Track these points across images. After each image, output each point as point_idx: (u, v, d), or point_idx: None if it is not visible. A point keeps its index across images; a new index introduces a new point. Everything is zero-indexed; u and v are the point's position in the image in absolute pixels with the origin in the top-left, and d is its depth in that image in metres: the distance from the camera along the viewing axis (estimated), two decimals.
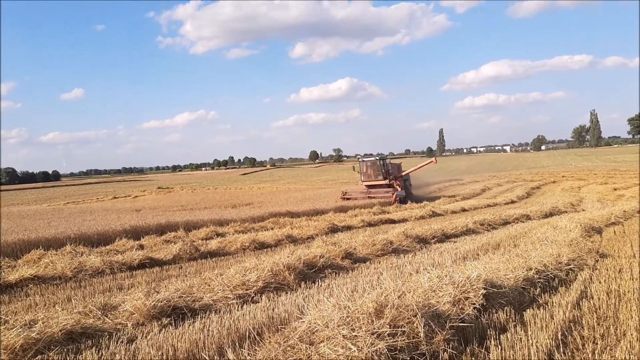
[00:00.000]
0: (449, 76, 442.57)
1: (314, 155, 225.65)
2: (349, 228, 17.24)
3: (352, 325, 4.43)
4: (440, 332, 4.67)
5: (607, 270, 8.40)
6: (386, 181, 30.01)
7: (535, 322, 5.52)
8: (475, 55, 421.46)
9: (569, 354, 4.78)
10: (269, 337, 4.94)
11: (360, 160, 32.46)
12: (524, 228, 14.96)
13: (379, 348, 4.12)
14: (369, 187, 30.33)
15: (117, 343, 5.38)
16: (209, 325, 5.70)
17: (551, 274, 7.70)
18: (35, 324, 5.59)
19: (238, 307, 6.76)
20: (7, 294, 8.79)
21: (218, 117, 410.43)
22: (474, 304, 5.58)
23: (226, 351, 4.85)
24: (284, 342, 4.48)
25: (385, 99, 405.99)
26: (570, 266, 8.39)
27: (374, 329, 4.36)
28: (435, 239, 13.28)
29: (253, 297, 7.30)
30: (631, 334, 5.12)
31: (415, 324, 4.59)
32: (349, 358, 4.11)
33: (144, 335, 5.64)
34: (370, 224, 18.16)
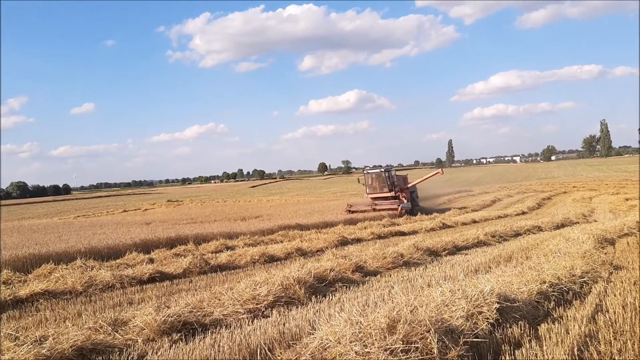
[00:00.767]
0: (457, 87, 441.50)
1: (323, 167, 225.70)
2: (358, 241, 17.16)
3: (364, 341, 4.38)
4: (454, 347, 4.60)
5: (622, 282, 8.27)
6: (392, 193, 29.66)
7: (550, 337, 5.43)
8: (484, 66, 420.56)
9: None
10: (281, 353, 4.89)
11: (365, 172, 32.11)
12: (536, 240, 14.82)
13: None
14: (375, 199, 30.00)
15: (127, 359, 5.35)
16: (219, 340, 5.66)
17: (565, 287, 7.59)
18: (46, 340, 5.57)
19: (249, 321, 6.71)
20: (18, 309, 8.79)
21: (227, 130, 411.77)
22: (487, 318, 5.50)
23: None
24: (296, 358, 4.43)
25: (393, 110, 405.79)
26: (584, 279, 8.27)
27: (387, 345, 4.30)
28: (446, 252, 13.18)
29: (264, 311, 7.25)
30: None
31: (428, 340, 4.53)
32: None
33: (155, 351, 5.60)
34: (380, 237, 18.07)
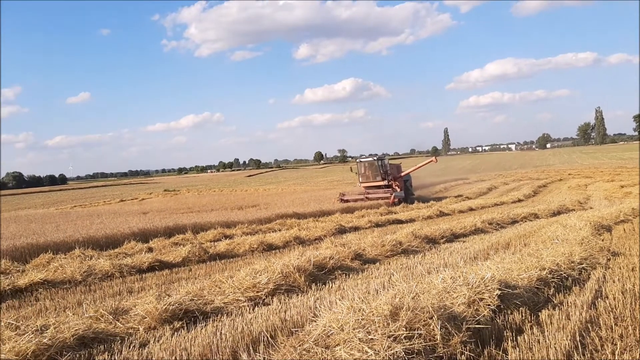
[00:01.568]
0: (453, 75, 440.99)
1: (319, 156, 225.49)
2: (356, 229, 17.18)
3: (367, 328, 4.38)
4: (456, 334, 4.61)
5: (620, 268, 8.31)
6: (385, 182, 29.42)
7: (551, 323, 5.46)
8: (480, 54, 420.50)
9: (588, 355, 4.71)
10: (283, 340, 4.90)
11: (357, 161, 31.83)
12: (533, 227, 14.88)
13: (396, 351, 4.07)
14: (367, 188, 29.75)
15: (129, 347, 5.35)
16: (221, 328, 5.66)
17: (564, 273, 7.62)
18: (47, 330, 5.56)
19: (249, 309, 6.72)
20: (17, 298, 8.78)
21: (223, 119, 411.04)
22: (489, 305, 5.52)
23: (240, 355, 4.81)
24: (299, 345, 4.44)
25: (390, 98, 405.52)
26: (583, 265, 8.31)
27: (390, 331, 4.31)
28: (445, 239, 13.21)
29: (264, 299, 7.26)
30: None
31: (431, 326, 4.54)
32: None
33: (156, 339, 5.60)
34: (377, 225, 18.08)
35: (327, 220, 19.04)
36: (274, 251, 12.88)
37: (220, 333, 5.44)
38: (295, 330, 5.23)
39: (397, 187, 29.26)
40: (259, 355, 4.69)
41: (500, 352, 4.75)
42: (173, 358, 4.91)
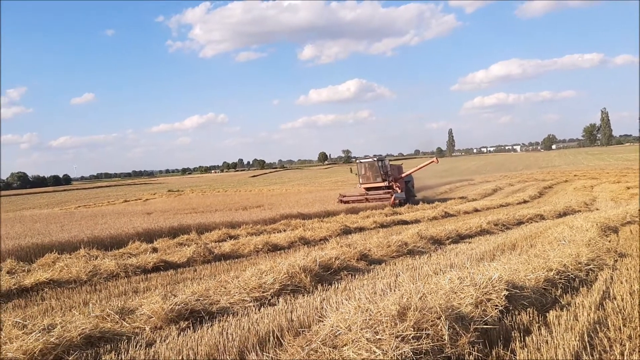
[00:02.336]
0: (458, 76, 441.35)
1: (323, 157, 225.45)
2: (361, 229, 17.17)
3: (375, 328, 4.36)
4: (464, 334, 4.59)
5: (628, 270, 8.25)
6: (385, 183, 29.02)
7: (559, 324, 5.42)
8: (485, 55, 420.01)
9: (597, 355, 4.67)
10: (290, 340, 4.88)
11: (357, 161, 31.40)
12: (539, 228, 14.82)
13: (404, 351, 4.05)
14: (368, 189, 29.37)
15: (136, 347, 5.35)
16: (227, 328, 5.66)
17: (571, 274, 7.58)
18: (54, 329, 5.56)
19: (255, 309, 6.71)
20: (24, 298, 8.80)
21: (227, 119, 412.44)
22: (496, 305, 5.49)
23: (248, 354, 4.80)
24: (307, 345, 4.42)
25: (394, 99, 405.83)
26: (590, 266, 8.26)
27: (398, 331, 4.29)
28: (450, 240, 13.17)
29: (270, 299, 7.24)
30: None
31: (439, 327, 4.51)
32: None
33: (163, 339, 5.59)
34: (382, 225, 18.06)
35: (332, 221, 19.02)
36: (279, 252, 12.87)
37: (227, 333, 5.43)
38: (302, 331, 5.22)
39: (397, 188, 28.91)
40: (267, 355, 4.68)
41: (509, 353, 4.72)
42: (180, 358, 4.90)
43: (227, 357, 4.84)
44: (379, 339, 4.22)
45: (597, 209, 21.47)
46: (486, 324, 5.05)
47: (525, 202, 28.41)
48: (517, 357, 4.62)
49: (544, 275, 7.03)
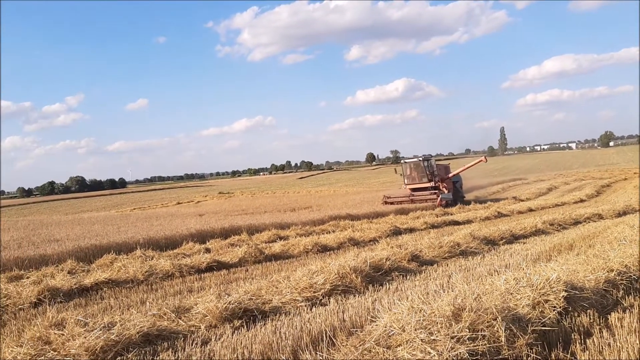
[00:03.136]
0: (509, 73, 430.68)
1: (371, 158, 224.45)
2: (411, 230, 16.98)
3: (429, 329, 4.31)
4: (522, 336, 4.47)
5: None
6: (431, 183, 28.19)
7: (622, 326, 5.21)
8: (537, 51, 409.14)
9: None
10: (343, 340, 4.88)
11: (402, 161, 30.71)
12: (597, 228, 14.29)
13: (460, 352, 3.98)
14: (413, 190, 28.67)
15: (191, 345, 5.46)
16: (280, 327, 5.70)
17: (634, 275, 7.27)
18: (114, 326, 5.74)
19: (307, 309, 6.73)
20: (84, 297, 9.12)
21: (275, 122, 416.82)
22: (554, 306, 5.32)
23: (301, 353, 4.83)
24: (360, 345, 4.40)
25: (443, 98, 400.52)
26: None
27: (453, 332, 4.22)
28: (504, 240, 12.86)
29: (321, 299, 7.25)
30: None
31: (495, 328, 4.41)
32: None
33: (218, 337, 5.69)
34: (433, 226, 17.81)
35: (382, 222, 18.92)
36: (328, 252, 12.88)
37: (280, 332, 5.48)
38: (355, 331, 5.20)
39: (444, 189, 28.12)
40: (321, 354, 4.69)
41: (568, 355, 4.57)
42: (235, 356, 4.98)
43: (282, 356, 4.87)
44: (434, 339, 4.16)
45: None
46: (544, 326, 4.90)
47: (582, 201, 27.48)
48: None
49: (604, 276, 6.76)
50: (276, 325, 5.85)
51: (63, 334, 5.51)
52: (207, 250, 13.52)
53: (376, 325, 4.74)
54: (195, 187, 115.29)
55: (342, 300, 7.09)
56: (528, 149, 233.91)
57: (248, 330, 5.83)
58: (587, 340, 4.86)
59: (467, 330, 4.28)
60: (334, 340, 5.05)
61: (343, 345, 4.70)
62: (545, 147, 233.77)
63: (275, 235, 16.10)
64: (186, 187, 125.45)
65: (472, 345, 4.13)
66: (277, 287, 7.62)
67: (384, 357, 4.15)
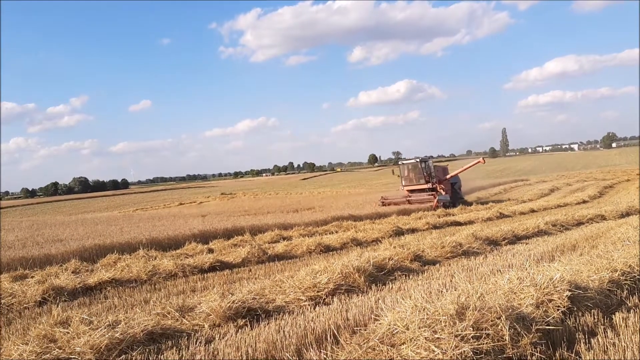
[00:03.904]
0: (511, 74, 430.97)
1: (373, 159, 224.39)
2: (413, 231, 16.99)
3: (433, 327, 4.32)
4: (526, 335, 4.48)
5: None
6: (429, 185, 28.04)
7: (626, 326, 5.22)
8: (539, 52, 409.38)
9: None
10: (347, 338, 4.89)
11: (400, 163, 30.50)
12: (600, 228, 14.28)
13: (464, 351, 3.99)
14: (411, 191, 28.49)
15: (195, 343, 5.48)
16: (284, 326, 5.71)
17: (638, 275, 7.27)
18: (118, 325, 5.77)
19: (310, 308, 6.75)
20: (88, 296, 9.15)
21: (278, 123, 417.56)
22: (558, 306, 5.33)
23: (305, 352, 4.84)
24: (364, 343, 4.42)
25: (445, 99, 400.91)
26: None
27: (457, 331, 4.22)
28: (506, 241, 12.86)
29: (324, 299, 7.27)
30: None
31: (499, 327, 4.42)
32: None
33: (221, 336, 5.71)
34: (435, 227, 17.82)
35: (384, 222, 18.93)
36: (331, 252, 12.89)
37: (284, 331, 5.49)
38: (358, 329, 5.21)
39: (442, 190, 27.94)
40: (325, 353, 4.70)
41: (573, 355, 4.57)
42: (239, 354, 4.99)
43: (286, 355, 4.89)
44: (438, 338, 4.17)
45: None
46: (548, 325, 4.91)
47: (584, 202, 27.43)
48: (583, 359, 4.47)
49: (608, 276, 6.77)
50: (280, 324, 5.86)
51: (68, 332, 5.54)
52: (210, 251, 13.55)
53: (380, 323, 4.75)
54: (198, 188, 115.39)
55: (345, 300, 7.10)
56: (530, 150, 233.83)
57: (252, 329, 5.85)
58: (592, 339, 4.86)
59: (471, 328, 4.29)
60: (338, 338, 5.06)
61: (347, 344, 4.71)
62: (548, 148, 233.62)
63: (278, 236, 16.10)
64: (188, 188, 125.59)
65: (476, 343, 4.14)
66: (280, 287, 7.63)
67: (388, 355, 4.16)
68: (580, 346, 4.68)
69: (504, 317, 4.50)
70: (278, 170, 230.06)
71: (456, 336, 4.16)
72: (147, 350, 5.42)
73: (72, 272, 10.89)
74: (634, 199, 26.25)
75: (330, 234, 16.44)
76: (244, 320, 6.29)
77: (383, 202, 27.73)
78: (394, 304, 5.84)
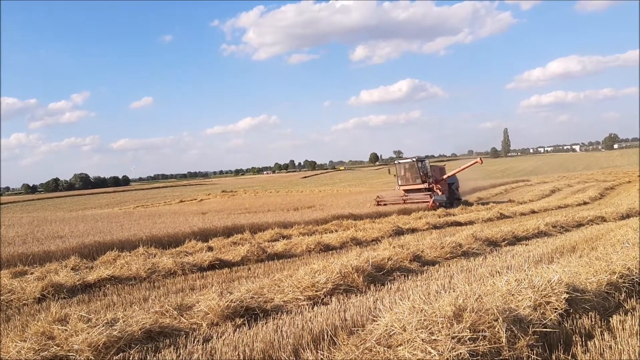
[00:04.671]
0: (513, 74, 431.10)
1: (374, 158, 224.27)
2: (413, 230, 17.00)
3: (430, 328, 4.32)
4: (523, 337, 4.48)
5: None
6: (425, 185, 27.81)
7: (624, 329, 5.21)
8: (542, 52, 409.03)
9: None
10: (344, 339, 4.89)
11: (396, 162, 30.25)
12: (600, 230, 14.27)
13: (461, 353, 3.99)
14: (407, 191, 28.28)
15: (193, 342, 5.49)
16: (282, 326, 5.72)
17: (636, 278, 7.26)
18: (116, 323, 5.77)
19: (309, 308, 6.75)
20: (87, 293, 9.16)
21: (279, 121, 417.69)
22: (556, 308, 5.33)
23: (302, 352, 4.84)
24: (361, 344, 4.42)
25: (447, 99, 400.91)
26: None
27: (454, 333, 4.23)
28: (506, 242, 12.86)
29: (323, 298, 7.27)
30: None
31: (496, 329, 4.42)
32: None
33: (219, 335, 5.72)
34: (435, 227, 17.83)
35: (384, 222, 18.94)
36: (330, 252, 12.90)
37: (282, 330, 5.50)
38: (356, 330, 5.21)
39: (438, 191, 27.80)
40: (322, 353, 4.71)
41: (570, 357, 4.58)
42: (236, 354, 5.00)
43: (283, 354, 4.89)
44: (435, 339, 4.18)
45: None
46: (545, 327, 4.91)
47: (585, 203, 27.44)
48: None
49: (606, 278, 6.76)
50: (278, 323, 5.86)
51: (66, 330, 5.54)
52: (210, 249, 13.57)
53: (377, 324, 4.76)
54: (199, 186, 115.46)
55: (344, 300, 7.11)
56: (531, 150, 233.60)
57: (250, 329, 5.85)
58: (589, 342, 4.87)
59: (468, 330, 4.30)
60: (335, 339, 5.07)
61: (344, 344, 4.72)
62: (549, 149, 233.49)
63: (278, 234, 16.13)
64: (189, 185, 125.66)
65: (473, 345, 4.15)
66: (279, 286, 7.64)
67: (385, 356, 4.17)
68: (576, 349, 4.69)
69: (501, 319, 4.50)
70: (279, 168, 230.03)
71: (453, 338, 4.16)
72: (145, 348, 5.42)
73: (72, 269, 10.89)
74: (635, 201, 26.23)
75: (330, 232, 16.46)
76: (242, 320, 6.29)
77: (378, 202, 27.50)
78: (392, 304, 5.85)
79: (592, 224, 16.69)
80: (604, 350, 4.63)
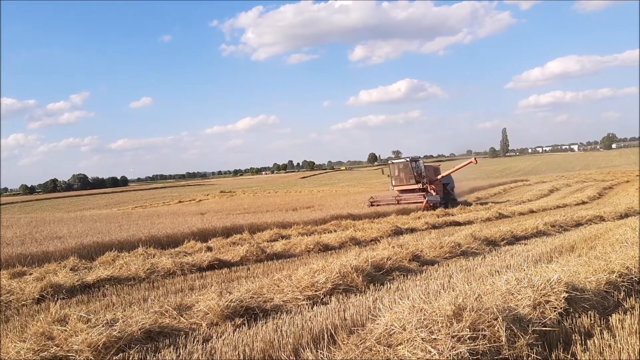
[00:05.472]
0: (512, 74, 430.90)
1: (373, 158, 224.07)
2: (412, 230, 17.01)
3: (430, 328, 4.33)
4: (522, 336, 4.49)
5: None
6: (419, 185, 27.65)
7: (623, 327, 5.22)
8: (541, 52, 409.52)
9: None
10: (344, 338, 4.89)
11: (390, 162, 29.98)
12: (599, 230, 14.29)
13: (461, 352, 4.00)
14: (401, 191, 28.05)
15: (193, 342, 5.48)
16: (281, 325, 5.72)
17: (635, 277, 7.28)
18: (116, 323, 5.76)
19: (308, 308, 6.75)
20: (86, 293, 9.15)
21: (278, 121, 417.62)
22: (555, 307, 5.33)
23: (302, 352, 4.85)
24: (361, 343, 4.42)
25: (446, 99, 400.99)
26: None
27: (454, 332, 4.23)
28: (505, 241, 12.87)
29: (322, 298, 7.27)
30: None
31: (496, 328, 4.43)
32: None
33: (219, 335, 5.71)
34: (434, 227, 17.84)
35: (383, 222, 18.94)
36: (329, 252, 12.90)
37: (281, 330, 5.50)
38: (356, 329, 5.21)
39: (432, 191, 27.58)
40: (322, 353, 4.71)
41: (569, 356, 4.58)
42: (236, 353, 4.99)
43: (282, 354, 4.89)
44: (434, 338, 4.18)
45: None
46: (545, 326, 4.92)
47: (583, 203, 27.48)
48: None
49: (605, 277, 6.77)
50: (277, 323, 5.86)
51: (66, 330, 5.53)
52: (209, 249, 13.56)
53: (377, 324, 4.76)
54: (197, 186, 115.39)
55: (343, 299, 7.11)
56: (530, 150, 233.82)
57: (249, 328, 5.85)
58: (588, 341, 4.87)
59: (468, 329, 4.30)
60: (335, 338, 5.07)
61: (344, 344, 4.72)
62: (548, 149, 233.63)
63: (277, 235, 16.13)
64: (188, 185, 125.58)
65: (472, 344, 4.15)
66: (278, 286, 7.63)
67: (385, 355, 4.17)
68: (576, 347, 4.69)
69: (500, 318, 4.51)
70: (278, 168, 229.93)
71: (453, 337, 4.17)
72: (145, 348, 5.42)
73: (71, 270, 10.88)
74: (633, 200, 26.28)
75: (329, 232, 16.46)
76: (241, 319, 6.28)
77: (372, 203, 27.16)
78: (391, 304, 5.85)
79: (590, 224, 16.71)
80: (603, 349, 4.64)
